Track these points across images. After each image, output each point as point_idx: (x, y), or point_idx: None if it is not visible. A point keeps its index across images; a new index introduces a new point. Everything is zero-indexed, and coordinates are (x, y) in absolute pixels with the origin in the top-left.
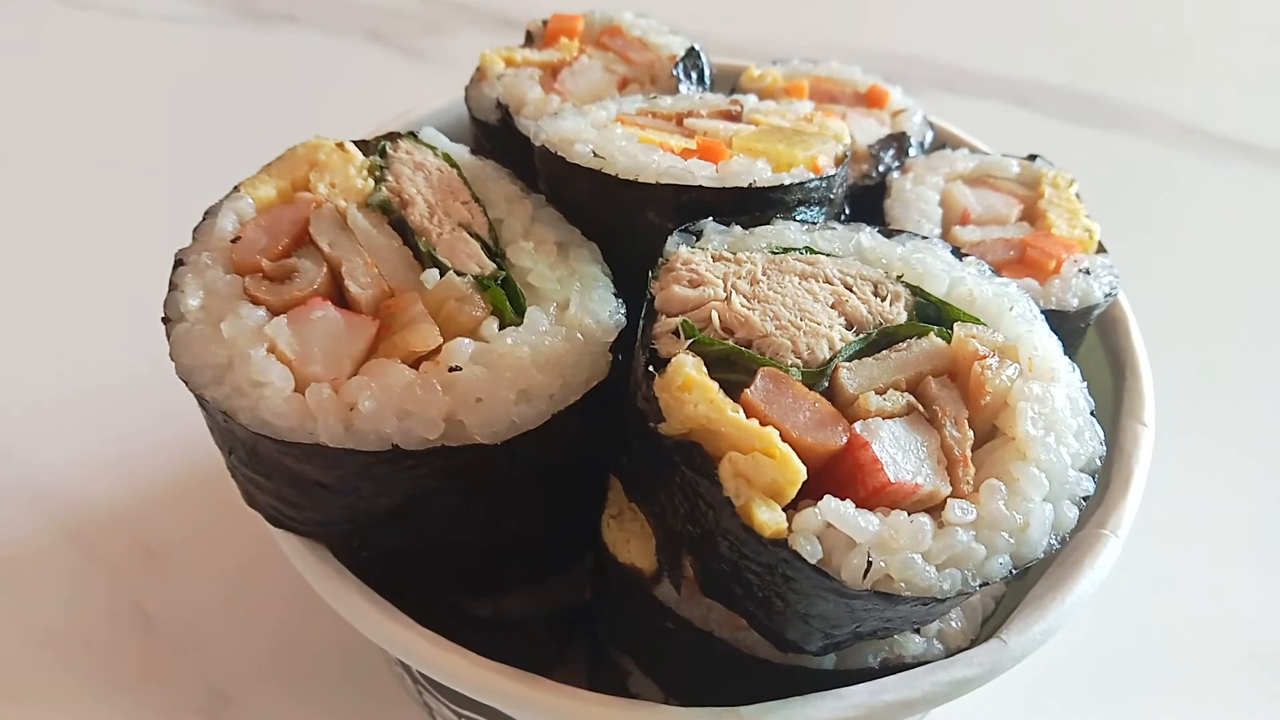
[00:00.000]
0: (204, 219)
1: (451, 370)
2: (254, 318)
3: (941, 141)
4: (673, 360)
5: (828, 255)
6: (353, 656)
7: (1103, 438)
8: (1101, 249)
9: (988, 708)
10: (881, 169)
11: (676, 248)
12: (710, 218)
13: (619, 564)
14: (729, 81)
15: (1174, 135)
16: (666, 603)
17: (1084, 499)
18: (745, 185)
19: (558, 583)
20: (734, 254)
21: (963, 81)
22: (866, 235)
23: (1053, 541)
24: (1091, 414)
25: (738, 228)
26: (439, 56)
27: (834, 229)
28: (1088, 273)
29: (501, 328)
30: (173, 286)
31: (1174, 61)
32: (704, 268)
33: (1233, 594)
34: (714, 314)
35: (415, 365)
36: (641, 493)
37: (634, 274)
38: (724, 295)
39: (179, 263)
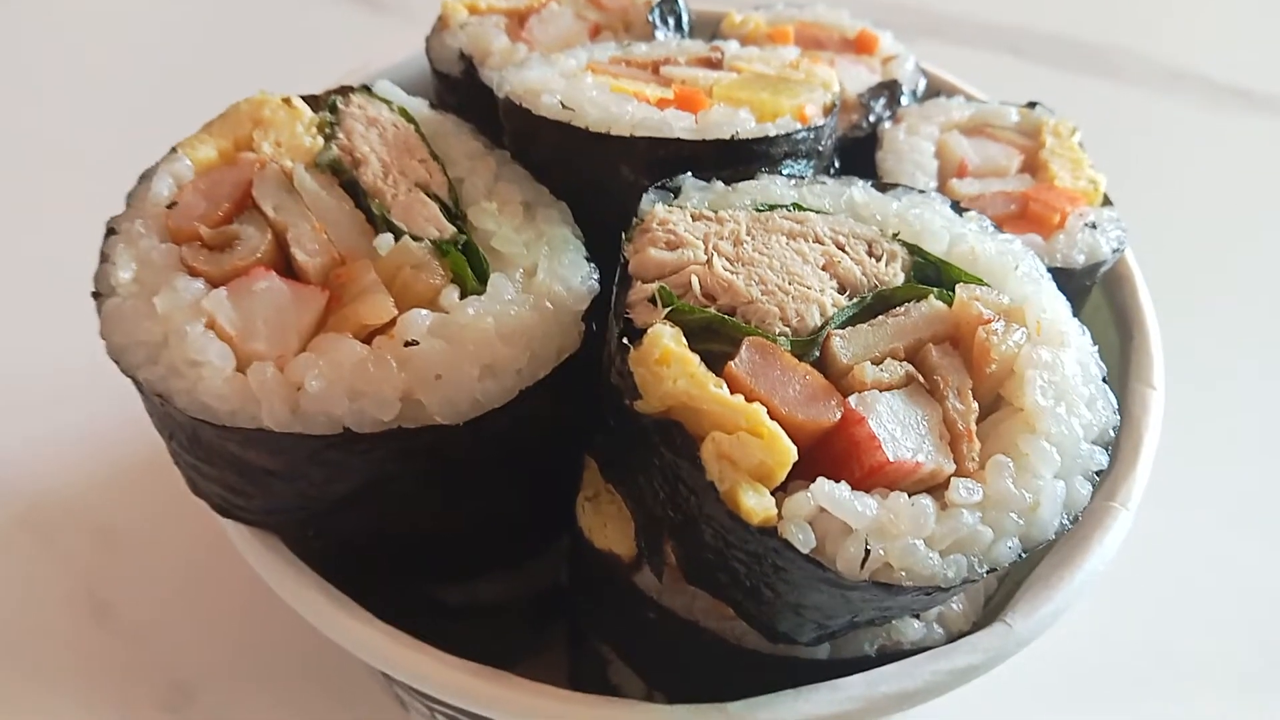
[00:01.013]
0: (139, 183)
1: (408, 345)
2: (191, 290)
3: (935, 89)
4: (649, 331)
5: (817, 212)
6: (321, 645)
7: (1116, 406)
8: (1107, 201)
9: (983, 684)
10: (872, 119)
11: (652, 206)
12: (689, 173)
13: (596, 550)
14: (709, 28)
15: (1166, 81)
16: (647, 591)
17: (1097, 474)
18: (727, 137)
19: (533, 566)
20: (715, 212)
21: (951, 28)
22: (859, 190)
23: (1064, 521)
24: (1104, 380)
25: (719, 183)
26: (400, 8)
27: (824, 183)
28: (1094, 227)
29: (463, 296)
30: (103, 258)
31: (1165, 6)
32: (682, 228)
33: (1244, 563)
34: (694, 279)
35: (368, 340)
36: (618, 474)
37: (608, 235)
38: (705, 258)
39: (110, 231)
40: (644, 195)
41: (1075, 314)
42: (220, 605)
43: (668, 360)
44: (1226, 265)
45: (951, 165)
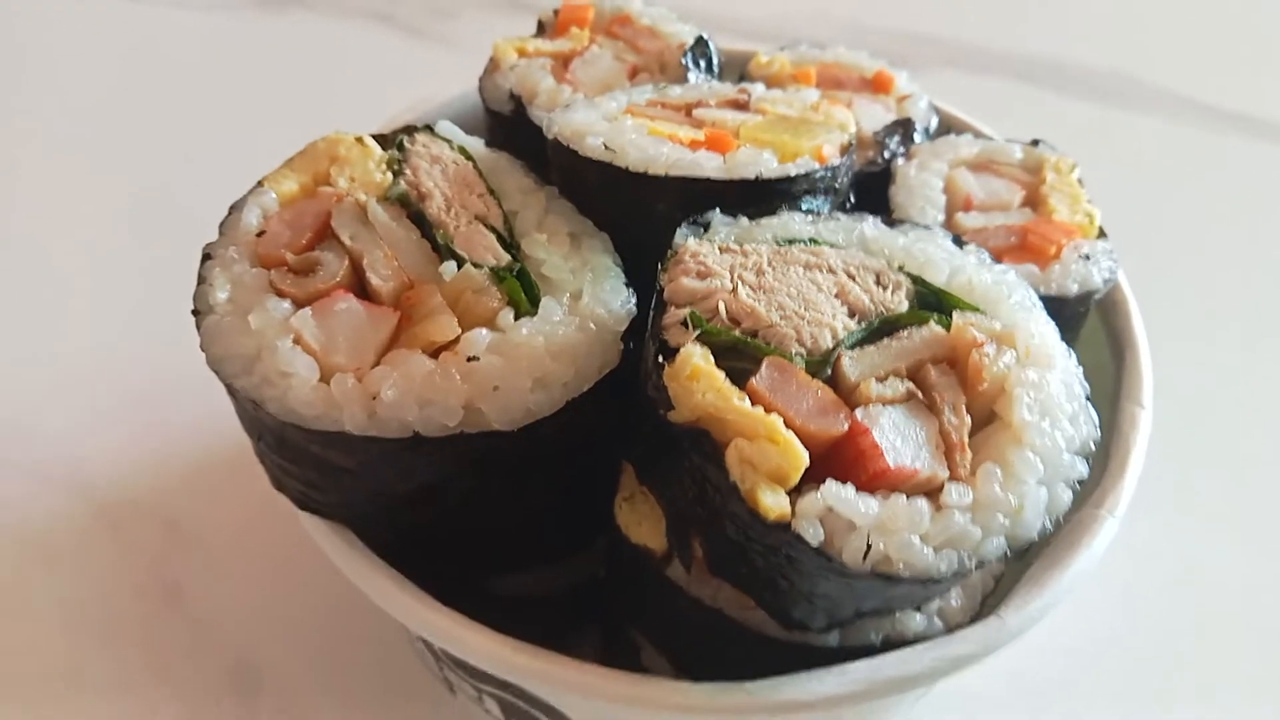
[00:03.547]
0: (229, 214)
1: (470, 360)
2: (280, 310)
3: (946, 126)
4: (681, 350)
5: (831, 246)
6: (380, 633)
7: (1097, 422)
8: (1102, 234)
9: (989, 685)
10: (887, 155)
11: (685, 240)
12: (718, 209)
13: (631, 545)
14: (738, 67)
15: (1177, 109)
16: (677, 582)
17: (1079, 482)
18: (752, 177)
19: (573, 562)
20: (740, 245)
21: (969, 58)
22: (870, 226)
23: (1047, 524)
24: (1087, 399)
25: (744, 219)
26: (447, 38)
27: (838, 219)
28: (1087, 258)
29: (517, 318)
30: (201, 280)
31: (1178, 35)
32: (711, 260)
33: (1233, 571)
34: (721, 305)
35: (435, 355)
36: (652, 477)
37: (645, 262)
38: (730, 287)
39: (206, 256)
40: (678, 230)
41: (1072, 337)
42: (284, 591)
43: (697, 376)
44: (1224, 288)
45: (958, 200)
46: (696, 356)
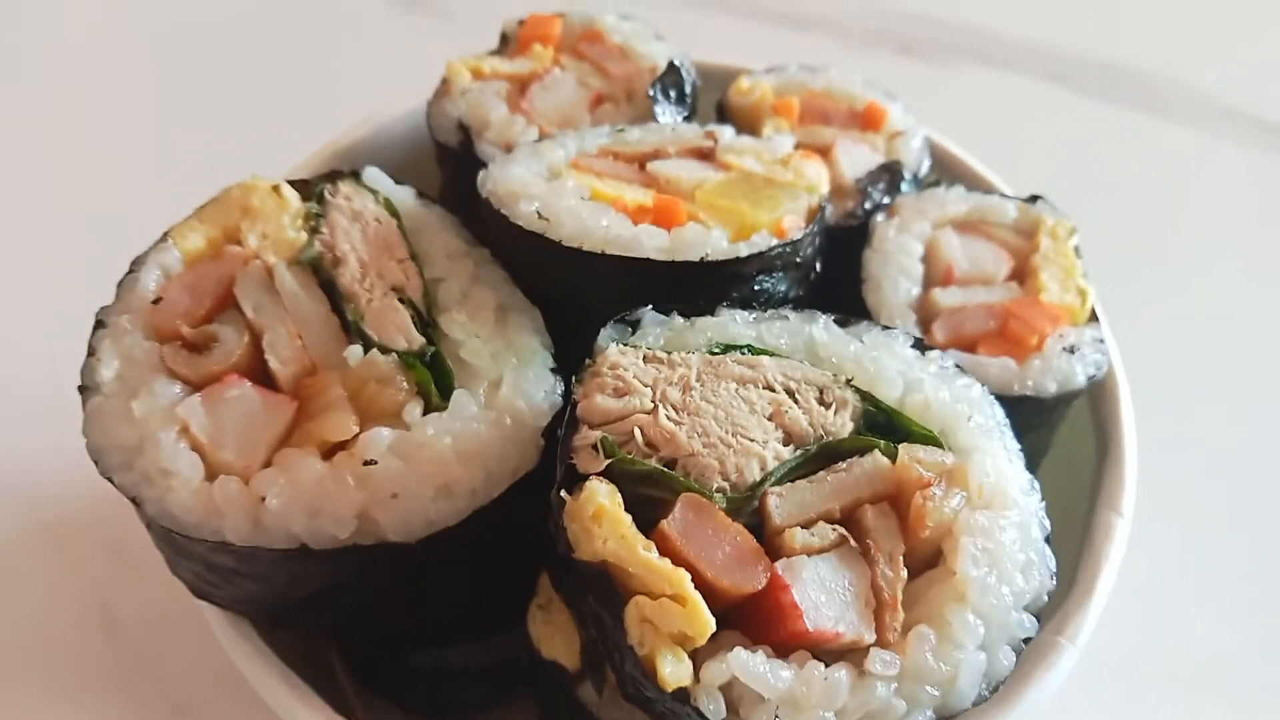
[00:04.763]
0: (129, 272)
1: (366, 463)
2: (168, 395)
3: (941, 166)
4: (585, 486)
5: (772, 355)
6: None
7: (1054, 570)
8: (1094, 317)
9: None
10: (869, 206)
11: (607, 345)
12: (650, 306)
13: (543, 658)
14: (719, 84)
15: (1218, 121)
16: (587, 704)
17: (1025, 640)
18: (696, 259)
19: (501, 638)
20: (668, 354)
21: (995, 51)
22: (820, 328)
23: (983, 692)
24: (1046, 540)
25: (678, 318)
26: (469, 17)
27: (786, 319)
28: (1072, 351)
29: (426, 411)
30: (90, 351)
31: (1223, 39)
32: (632, 374)
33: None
34: (636, 430)
35: (331, 453)
36: (564, 592)
37: (579, 340)
38: (650, 407)
39: (99, 324)
40: (601, 331)
41: (1049, 432)
42: None
43: (600, 519)
44: (1256, 315)
45: (938, 270)
46: (601, 495)
